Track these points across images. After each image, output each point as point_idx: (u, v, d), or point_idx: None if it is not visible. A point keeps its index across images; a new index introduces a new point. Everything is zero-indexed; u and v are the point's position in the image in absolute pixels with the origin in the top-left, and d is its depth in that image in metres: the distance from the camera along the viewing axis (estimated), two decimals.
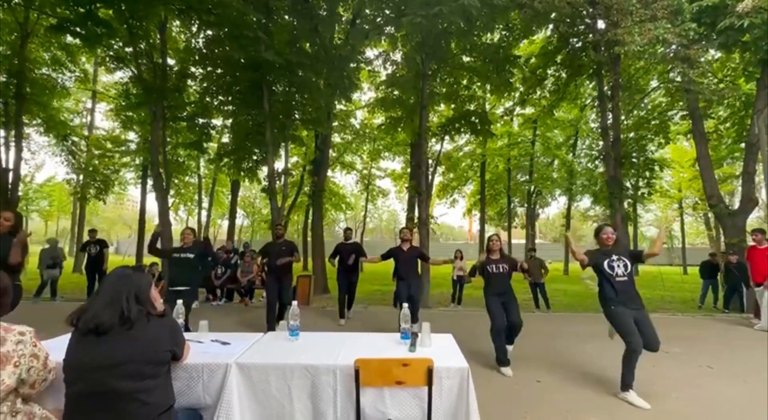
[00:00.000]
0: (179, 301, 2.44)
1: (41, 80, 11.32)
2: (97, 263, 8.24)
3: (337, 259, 6.28)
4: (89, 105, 17.39)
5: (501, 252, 4.13)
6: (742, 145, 9.90)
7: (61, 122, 13.03)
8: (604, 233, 3.40)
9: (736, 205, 8.95)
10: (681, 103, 10.64)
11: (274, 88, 9.04)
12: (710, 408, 3.02)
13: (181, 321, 2.34)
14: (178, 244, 4.71)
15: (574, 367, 4.00)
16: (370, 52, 11.32)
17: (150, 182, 14.10)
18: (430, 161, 11.73)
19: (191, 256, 4.48)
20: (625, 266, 3.27)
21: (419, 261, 5.47)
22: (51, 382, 1.60)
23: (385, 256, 5.37)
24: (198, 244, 4.69)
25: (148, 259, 11.44)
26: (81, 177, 14.66)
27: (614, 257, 3.30)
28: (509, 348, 4.00)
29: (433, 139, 12.12)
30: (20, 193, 11.85)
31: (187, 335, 1.95)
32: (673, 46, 7.37)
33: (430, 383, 1.78)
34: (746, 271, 7.62)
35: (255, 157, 10.77)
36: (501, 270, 4.00)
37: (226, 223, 24.13)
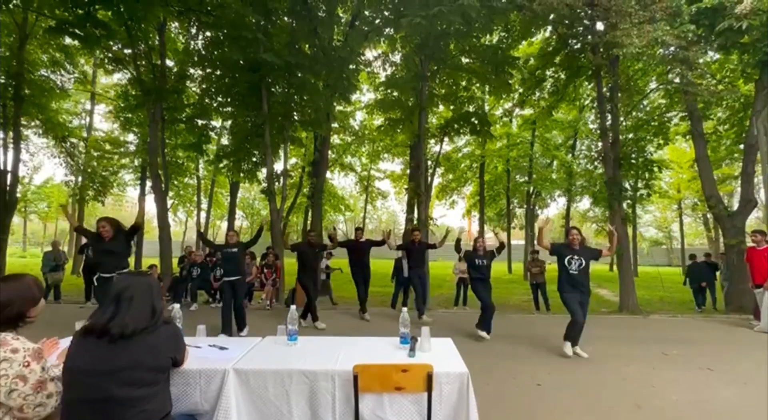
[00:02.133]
0: (176, 306, 2.43)
1: (40, 82, 11.28)
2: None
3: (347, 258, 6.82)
4: (88, 106, 17.35)
5: (484, 249, 5.47)
6: (741, 146, 9.90)
7: (60, 124, 13.00)
8: (571, 235, 4.55)
9: (735, 206, 8.95)
10: (680, 105, 10.63)
11: (273, 89, 9.02)
12: (711, 411, 3.01)
13: (180, 325, 2.33)
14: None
15: (574, 369, 3.99)
16: (369, 54, 11.31)
17: (149, 184, 14.07)
18: (429, 162, 11.74)
19: (236, 250, 5.41)
20: (580, 264, 4.42)
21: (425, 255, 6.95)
22: (53, 408, 1.47)
23: (399, 247, 6.99)
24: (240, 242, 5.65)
25: (146, 261, 11.42)
26: (80, 178, 14.62)
27: (575, 256, 4.43)
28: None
29: (432, 141, 12.11)
30: (19, 195, 11.80)
31: (185, 340, 1.93)
32: (672, 48, 7.36)
33: (429, 389, 1.77)
34: (712, 271, 8.74)
35: (254, 159, 10.75)
36: (484, 263, 5.34)
37: (225, 225, 24.08)
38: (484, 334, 5.15)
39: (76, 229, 4.76)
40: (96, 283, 4.48)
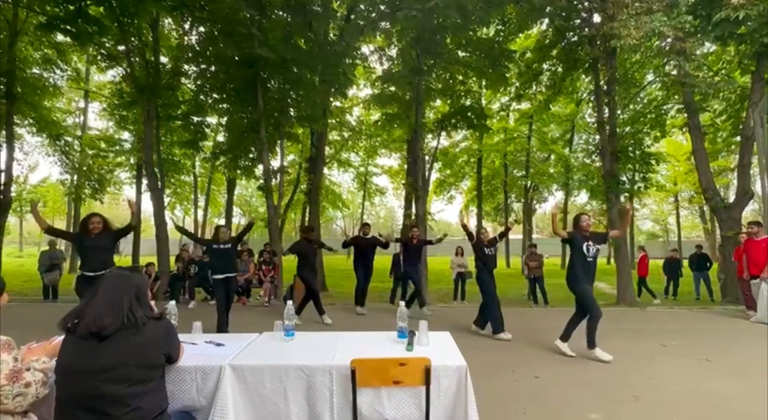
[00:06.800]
0: (172, 303, 2.41)
1: (32, 80, 11.16)
2: None
3: (352, 251, 6.94)
4: (82, 104, 17.21)
5: (490, 240, 5.33)
6: (738, 137, 9.91)
7: (54, 122, 12.88)
8: (583, 221, 4.12)
9: (732, 198, 8.97)
10: (677, 97, 10.61)
11: (268, 85, 8.95)
12: (709, 401, 3.02)
13: (174, 322, 2.31)
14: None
15: (572, 362, 3.99)
16: (365, 48, 11.23)
17: (145, 181, 13.99)
18: (426, 157, 11.71)
19: (229, 246, 5.20)
20: (597, 250, 4.02)
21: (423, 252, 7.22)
22: (36, 397, 1.46)
23: (398, 240, 6.99)
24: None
25: (144, 259, 11.37)
26: (75, 177, 14.53)
27: (591, 243, 4.01)
28: None
29: (430, 135, 12.08)
30: (14, 194, 11.72)
31: (180, 337, 1.92)
32: (669, 39, 7.33)
33: (427, 383, 1.75)
34: (680, 265, 9.46)
35: (251, 155, 10.69)
36: (493, 251, 5.25)
37: (222, 222, 24.00)
38: (504, 335, 4.80)
39: (46, 231, 4.44)
40: (76, 282, 4.30)
